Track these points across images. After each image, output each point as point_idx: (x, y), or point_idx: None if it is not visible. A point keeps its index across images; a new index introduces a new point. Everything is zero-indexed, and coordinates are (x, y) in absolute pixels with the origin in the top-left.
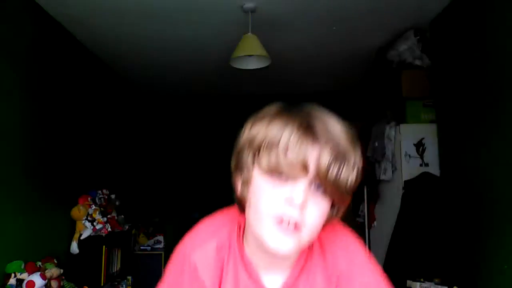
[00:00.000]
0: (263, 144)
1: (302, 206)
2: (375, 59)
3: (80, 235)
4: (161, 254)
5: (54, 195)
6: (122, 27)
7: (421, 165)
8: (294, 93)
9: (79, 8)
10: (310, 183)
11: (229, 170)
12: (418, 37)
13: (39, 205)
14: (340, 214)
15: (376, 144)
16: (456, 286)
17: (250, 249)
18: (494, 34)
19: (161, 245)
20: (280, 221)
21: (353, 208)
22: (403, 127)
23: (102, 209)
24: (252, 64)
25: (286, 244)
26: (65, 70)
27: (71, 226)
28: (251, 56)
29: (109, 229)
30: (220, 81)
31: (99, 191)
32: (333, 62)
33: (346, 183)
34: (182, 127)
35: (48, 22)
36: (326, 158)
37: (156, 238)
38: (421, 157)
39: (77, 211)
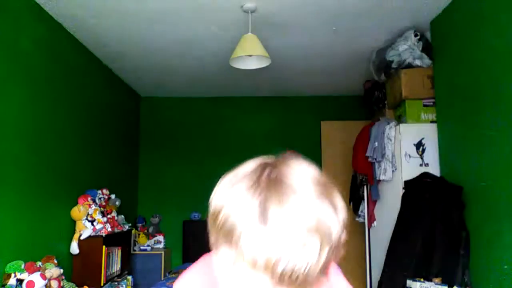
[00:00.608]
0: (223, 229)
1: None
2: (375, 59)
3: (80, 235)
4: (161, 254)
5: (54, 195)
6: (122, 28)
7: (421, 165)
8: (294, 93)
9: (79, 8)
10: (271, 278)
11: (226, 170)
12: (418, 37)
13: (39, 205)
14: None
15: (376, 144)
16: (456, 286)
17: None
18: (494, 34)
19: (161, 245)
20: None
21: (353, 208)
22: (403, 127)
23: (102, 209)
24: (252, 64)
25: None
26: (65, 70)
27: (71, 226)
28: (251, 56)
29: (109, 229)
30: (220, 81)
31: (99, 191)
32: (333, 62)
33: (305, 275)
34: (181, 127)
35: (48, 22)
36: (275, 254)
37: (156, 238)
38: (421, 157)
39: (77, 211)
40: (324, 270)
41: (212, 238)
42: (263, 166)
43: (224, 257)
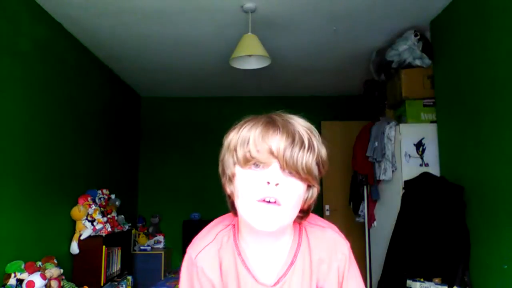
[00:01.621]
0: (238, 144)
1: (278, 186)
2: (375, 59)
3: (80, 235)
4: (161, 254)
5: (54, 195)
6: (122, 27)
7: (421, 165)
8: (294, 93)
9: (79, 8)
10: (282, 168)
11: None
12: (418, 37)
13: (39, 205)
14: (315, 195)
15: (376, 144)
16: (456, 286)
17: (245, 243)
18: (494, 34)
19: (161, 245)
20: (262, 200)
21: (353, 208)
22: (403, 127)
23: (102, 209)
24: (252, 64)
25: (269, 220)
26: (65, 70)
27: (71, 226)
28: (251, 56)
29: (109, 229)
30: (220, 81)
31: (99, 191)
32: (333, 62)
33: (302, 163)
34: (181, 127)
35: (48, 22)
36: (283, 143)
37: (156, 238)
38: (421, 157)
39: (77, 211)
40: (318, 165)
41: (228, 161)
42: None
43: (239, 160)
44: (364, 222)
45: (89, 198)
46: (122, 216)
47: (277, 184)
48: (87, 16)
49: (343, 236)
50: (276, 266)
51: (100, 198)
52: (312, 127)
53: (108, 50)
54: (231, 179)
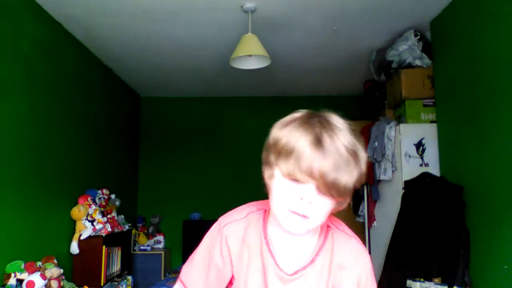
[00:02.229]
0: (283, 150)
1: (311, 204)
2: (375, 59)
3: (80, 235)
4: (161, 254)
5: (54, 195)
6: (122, 27)
7: (421, 165)
8: (294, 93)
9: (79, 8)
10: (317, 187)
11: (226, 170)
12: (418, 37)
13: (39, 205)
14: (344, 206)
15: (376, 144)
16: (456, 286)
17: (272, 230)
18: (494, 34)
19: (161, 245)
20: (293, 212)
21: (353, 208)
22: (403, 127)
23: (102, 209)
24: (252, 64)
25: (297, 227)
26: (65, 70)
27: (71, 226)
28: (251, 56)
29: (109, 229)
30: (220, 81)
31: (99, 191)
32: (333, 62)
33: (344, 186)
34: (181, 127)
35: (48, 22)
36: (327, 167)
37: (156, 238)
38: (421, 157)
39: (77, 211)
40: (355, 184)
41: (271, 158)
42: (310, 113)
43: (281, 169)
44: (364, 222)
45: (89, 198)
46: (122, 216)
47: (310, 203)
48: (87, 16)
49: (366, 249)
50: (297, 259)
51: (100, 198)
52: (357, 144)
53: (108, 50)
54: (270, 177)
